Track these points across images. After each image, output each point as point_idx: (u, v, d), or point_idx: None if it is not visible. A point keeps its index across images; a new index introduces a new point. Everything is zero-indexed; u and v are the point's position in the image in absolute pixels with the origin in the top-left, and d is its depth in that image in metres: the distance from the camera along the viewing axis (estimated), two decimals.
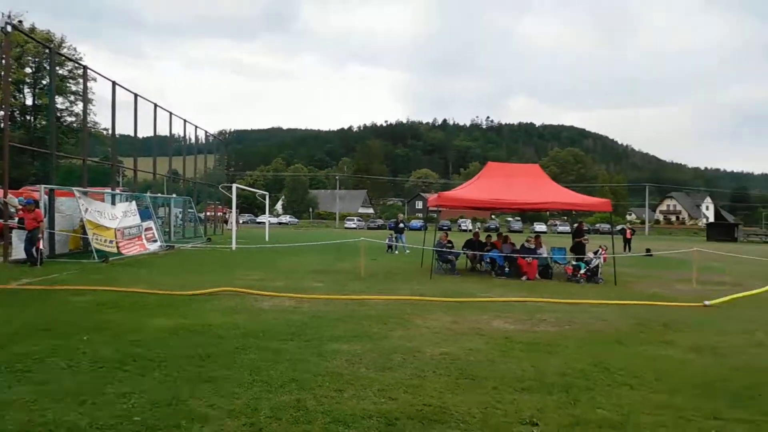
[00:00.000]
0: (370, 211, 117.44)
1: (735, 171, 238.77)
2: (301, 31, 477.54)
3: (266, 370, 5.68)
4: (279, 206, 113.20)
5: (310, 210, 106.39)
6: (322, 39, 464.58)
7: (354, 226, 75.84)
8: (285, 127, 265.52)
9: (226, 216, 42.02)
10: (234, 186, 29.61)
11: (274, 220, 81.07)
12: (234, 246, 23.73)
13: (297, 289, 11.83)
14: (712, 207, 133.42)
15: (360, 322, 8.38)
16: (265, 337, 7.20)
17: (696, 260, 15.99)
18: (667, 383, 5.67)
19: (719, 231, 65.87)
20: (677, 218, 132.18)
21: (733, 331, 8.59)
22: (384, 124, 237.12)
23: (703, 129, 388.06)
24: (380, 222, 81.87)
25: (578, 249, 16.50)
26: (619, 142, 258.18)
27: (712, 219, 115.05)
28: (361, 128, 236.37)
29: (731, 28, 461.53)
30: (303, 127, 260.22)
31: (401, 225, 26.51)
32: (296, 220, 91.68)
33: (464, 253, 17.46)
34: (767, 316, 10.05)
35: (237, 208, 33.77)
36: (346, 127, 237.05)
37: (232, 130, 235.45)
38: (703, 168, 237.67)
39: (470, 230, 53.98)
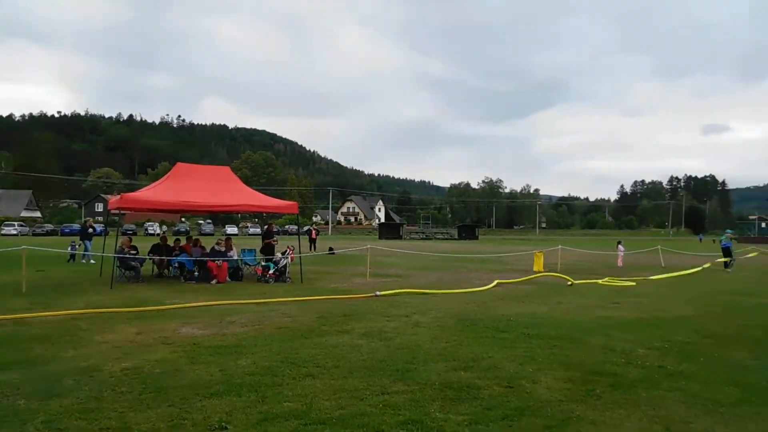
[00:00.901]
0: (38, 214, 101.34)
1: (401, 177, 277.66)
2: None
3: None
4: None
5: None
6: None
7: (15, 232, 64.58)
8: None
9: None
10: None
11: None
12: None
13: None
14: (383, 209, 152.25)
15: (19, 346, 7.16)
16: None
17: (369, 256, 18.07)
18: (343, 368, 6.25)
19: (388, 230, 75.69)
20: (355, 219, 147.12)
21: (396, 316, 9.93)
22: (56, 115, 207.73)
23: (377, 140, 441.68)
24: (50, 227, 71.37)
25: (267, 250, 17.03)
26: (307, 148, 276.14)
27: (383, 219, 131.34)
28: (26, 118, 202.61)
29: (400, 56, 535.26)
30: None
31: (90, 230, 23.31)
32: None
33: (150, 259, 16.42)
34: (423, 303, 11.90)
35: None
36: (5, 115, 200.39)
37: None
38: (377, 174, 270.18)
39: (158, 234, 51.01)
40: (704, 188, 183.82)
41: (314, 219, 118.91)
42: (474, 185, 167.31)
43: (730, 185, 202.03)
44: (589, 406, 5.10)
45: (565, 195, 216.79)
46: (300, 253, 16.87)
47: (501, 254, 30.46)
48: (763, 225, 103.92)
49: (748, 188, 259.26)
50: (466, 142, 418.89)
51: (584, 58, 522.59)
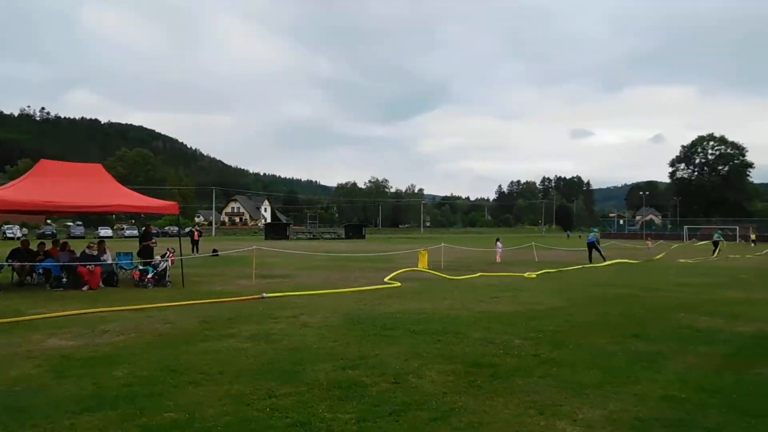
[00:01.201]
0: None
1: (287, 177, 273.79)
2: None
3: None
4: None
5: None
6: None
7: None
8: None
9: None
10: None
11: None
12: None
13: None
14: (269, 209, 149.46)
15: None
16: None
17: (255, 257, 17.67)
18: (228, 374, 6.06)
19: (275, 230, 74.22)
20: (241, 219, 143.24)
21: (283, 317, 9.80)
22: None
23: (263, 138, 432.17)
24: None
25: (146, 253, 16.11)
26: (189, 146, 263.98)
27: (269, 219, 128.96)
28: None
29: (286, 53, 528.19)
30: None
31: None
32: None
33: (9, 265, 14.93)
34: (311, 303, 11.85)
35: None
36: None
37: None
38: (262, 174, 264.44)
39: (18, 237, 46.49)
40: (572, 188, 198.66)
41: (197, 220, 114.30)
42: (360, 185, 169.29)
43: (594, 185, 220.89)
44: (471, 397, 5.35)
45: (448, 194, 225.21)
46: (181, 255, 16.14)
47: (387, 253, 31.04)
48: (621, 222, 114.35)
49: (608, 188, 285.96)
50: (353, 142, 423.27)
51: (466, 63, 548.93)
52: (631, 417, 4.83)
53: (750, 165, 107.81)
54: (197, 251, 30.22)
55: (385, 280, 16.10)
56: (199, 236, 35.00)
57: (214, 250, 28.99)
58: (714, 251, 34.67)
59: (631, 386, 5.72)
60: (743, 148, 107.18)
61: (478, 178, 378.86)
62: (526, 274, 18.37)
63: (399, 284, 15.16)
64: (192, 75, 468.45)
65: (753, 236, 56.01)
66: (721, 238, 38.18)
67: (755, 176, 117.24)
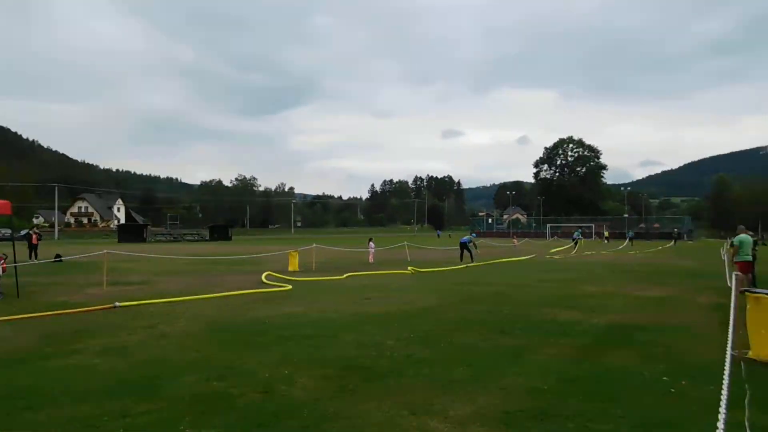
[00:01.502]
0: None
1: (144, 173, 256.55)
2: None
3: None
4: None
5: None
6: None
7: None
8: None
9: None
10: None
11: None
12: None
13: None
14: (123, 208, 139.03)
15: None
16: None
17: (107, 262, 16.18)
18: (74, 394, 5.42)
19: (130, 232, 69.19)
20: (89, 220, 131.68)
21: (139, 327, 9.02)
22: None
23: (116, 130, 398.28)
24: None
25: None
26: (25, 137, 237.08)
27: (123, 220, 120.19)
28: None
29: (144, 38, 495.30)
30: None
31: None
32: None
33: None
34: (171, 311, 11.09)
35: None
36: None
37: None
38: (114, 170, 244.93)
39: None
40: (443, 187, 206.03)
41: (35, 221, 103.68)
42: (226, 183, 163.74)
43: (464, 185, 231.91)
44: (344, 402, 5.21)
45: (320, 194, 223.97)
46: (15, 261, 14.34)
47: (255, 255, 30.18)
48: (490, 221, 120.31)
49: (478, 188, 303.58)
50: (218, 137, 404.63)
51: (337, 57, 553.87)
52: (499, 410, 4.97)
53: (604, 167, 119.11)
54: (36, 257, 27.14)
55: (264, 279, 15.53)
56: (39, 240, 31.56)
57: (57, 255, 26.19)
58: (574, 248, 38.16)
59: (498, 380, 5.92)
60: (598, 151, 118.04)
61: (351, 176, 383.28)
62: (409, 269, 19.33)
63: (290, 287, 14.74)
64: (28, 57, 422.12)
65: (606, 233, 61.85)
66: (580, 236, 42.17)
67: (608, 177, 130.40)
